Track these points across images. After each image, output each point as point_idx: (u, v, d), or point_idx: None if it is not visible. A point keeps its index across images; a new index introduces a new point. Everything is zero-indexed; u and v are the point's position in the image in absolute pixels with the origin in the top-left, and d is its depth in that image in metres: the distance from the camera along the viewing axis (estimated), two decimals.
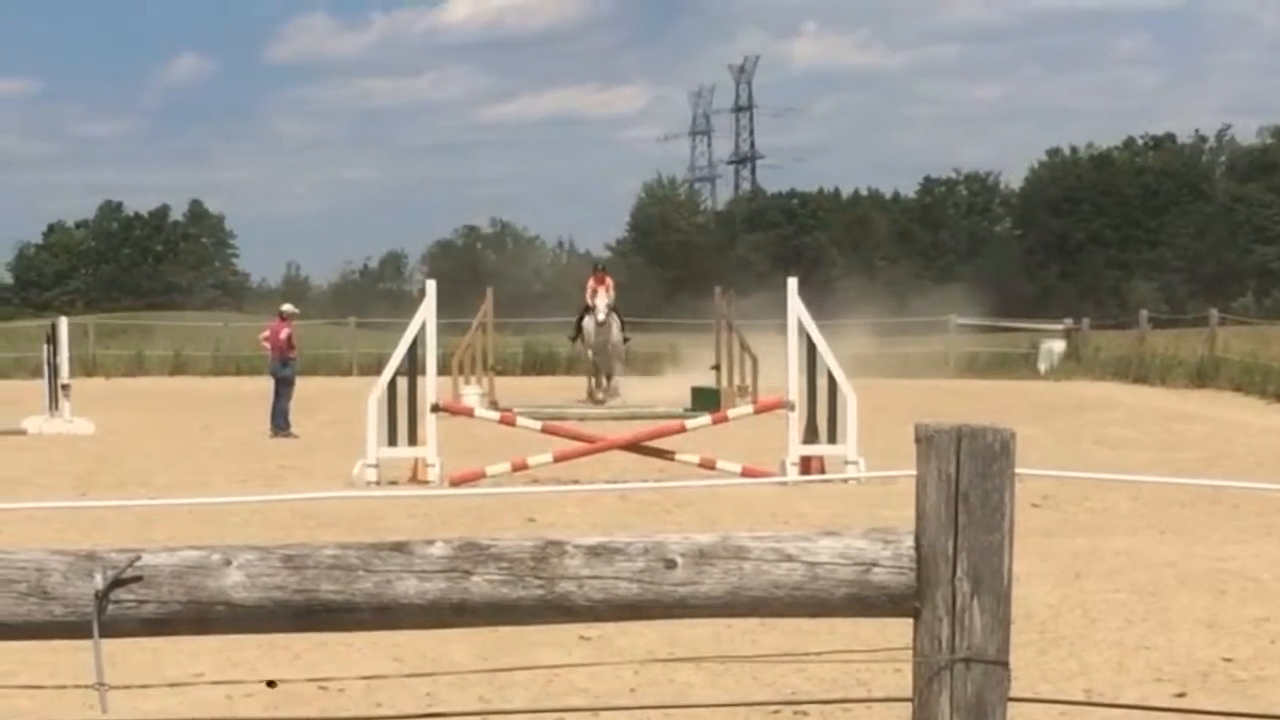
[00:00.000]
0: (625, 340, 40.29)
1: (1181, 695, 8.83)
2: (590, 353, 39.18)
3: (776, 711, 8.33)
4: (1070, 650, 10.01)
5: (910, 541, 3.89)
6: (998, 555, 3.85)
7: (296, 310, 32.68)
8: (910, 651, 3.96)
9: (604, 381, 38.98)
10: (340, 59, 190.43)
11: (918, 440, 3.89)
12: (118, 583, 3.79)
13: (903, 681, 4.04)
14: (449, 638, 9.19)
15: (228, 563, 3.82)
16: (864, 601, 3.89)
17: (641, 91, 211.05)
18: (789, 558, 3.87)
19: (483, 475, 19.65)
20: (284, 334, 31.44)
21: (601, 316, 38.12)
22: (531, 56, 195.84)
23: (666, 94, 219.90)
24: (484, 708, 8.26)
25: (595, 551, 3.85)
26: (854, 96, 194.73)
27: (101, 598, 3.78)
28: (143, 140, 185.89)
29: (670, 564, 3.84)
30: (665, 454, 20.63)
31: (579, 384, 40.50)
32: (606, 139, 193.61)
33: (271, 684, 7.87)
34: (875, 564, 3.87)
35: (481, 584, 3.81)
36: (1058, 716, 8.00)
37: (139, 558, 3.82)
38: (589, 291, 39.20)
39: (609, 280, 39.82)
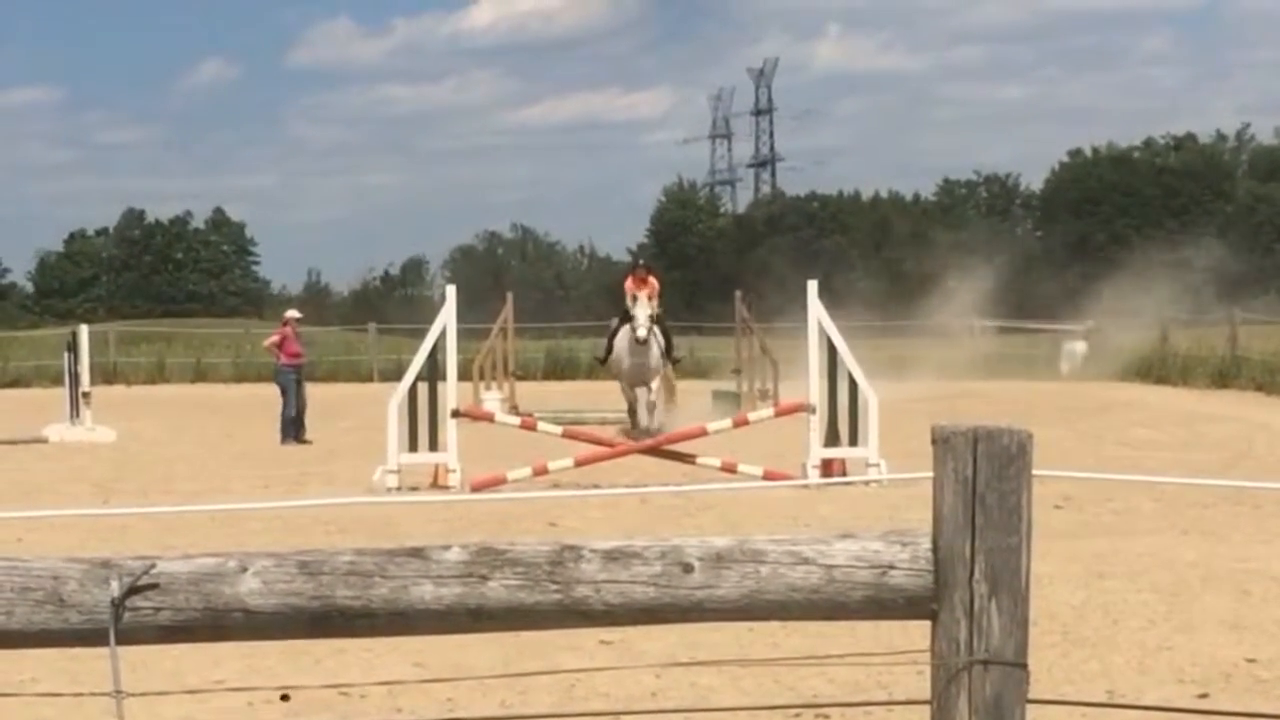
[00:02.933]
0: (675, 362, 31.43)
1: (1204, 696, 8.81)
2: (623, 381, 29.79)
3: (798, 714, 8.32)
4: (1093, 651, 9.98)
5: (927, 544, 3.88)
6: (1015, 556, 3.84)
7: (297, 315, 32.32)
8: (929, 653, 3.95)
9: (645, 412, 29.16)
10: (363, 65, 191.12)
11: (934, 442, 3.87)
12: (134, 590, 3.79)
13: (924, 683, 4.03)
14: (470, 643, 9.18)
15: (244, 569, 3.82)
16: (881, 604, 3.88)
17: (664, 95, 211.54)
18: (806, 561, 3.86)
19: (504, 480, 19.64)
20: (269, 340, 31.68)
21: (642, 333, 28.32)
22: (554, 61, 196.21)
23: (690, 97, 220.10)
24: (505, 713, 8.26)
25: (612, 556, 3.84)
26: (876, 99, 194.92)
27: (117, 605, 3.78)
28: (165, 147, 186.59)
29: (687, 568, 3.84)
30: (686, 458, 20.61)
31: (600, 388, 39.45)
32: (629, 143, 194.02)
33: (285, 697, 7.89)
34: (892, 566, 3.86)
35: (498, 589, 3.81)
36: (1079, 718, 7.98)
37: (155, 565, 3.82)
38: (628, 296, 29.67)
39: (653, 281, 30.21)
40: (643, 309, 28.59)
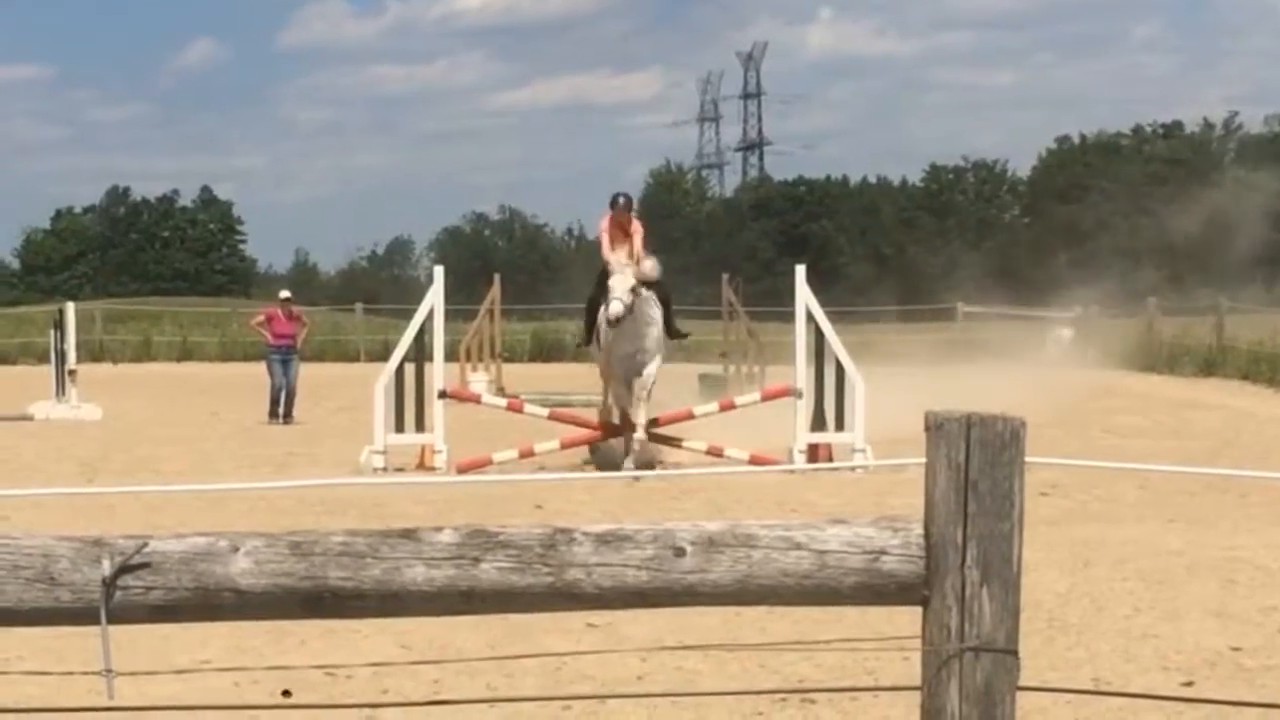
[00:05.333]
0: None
1: (1189, 684, 8.82)
2: (609, 373, 21.49)
3: (784, 699, 8.32)
4: (1078, 639, 10.00)
5: (919, 530, 3.88)
6: (1007, 544, 3.84)
7: (286, 294, 32.34)
8: (918, 640, 3.95)
9: (634, 424, 20.59)
10: (354, 45, 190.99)
11: (927, 428, 3.87)
12: (125, 569, 3.78)
13: (910, 670, 4.03)
14: (457, 625, 9.18)
15: (235, 549, 3.81)
16: (873, 590, 3.88)
17: (655, 78, 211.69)
18: (798, 546, 3.86)
19: (490, 462, 19.64)
20: (254, 320, 32.02)
21: (617, 309, 20.17)
22: (545, 43, 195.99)
23: (680, 81, 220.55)
24: (491, 695, 8.26)
25: (604, 539, 3.84)
26: (867, 83, 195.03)
27: (109, 584, 3.77)
28: (155, 126, 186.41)
29: (679, 552, 3.84)
30: (673, 441, 20.61)
31: (587, 371, 35.99)
32: (618, 125, 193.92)
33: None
34: (884, 552, 3.86)
35: (490, 571, 3.81)
36: (1064, 705, 7.99)
37: (146, 544, 3.81)
38: (605, 247, 21.46)
39: (638, 225, 21.67)
40: (620, 279, 20.47)
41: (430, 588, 3.81)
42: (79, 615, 3.81)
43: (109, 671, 3.85)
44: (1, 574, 3.78)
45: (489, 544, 3.82)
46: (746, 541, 3.85)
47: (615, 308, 20.25)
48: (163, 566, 3.80)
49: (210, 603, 3.82)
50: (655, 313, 21.06)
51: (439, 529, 3.85)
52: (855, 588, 3.87)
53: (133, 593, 3.79)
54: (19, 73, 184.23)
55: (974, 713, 3.83)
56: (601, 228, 22.06)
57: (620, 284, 20.47)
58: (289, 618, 3.92)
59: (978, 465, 3.82)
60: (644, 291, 20.79)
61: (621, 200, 22.00)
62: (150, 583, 3.80)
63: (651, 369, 20.97)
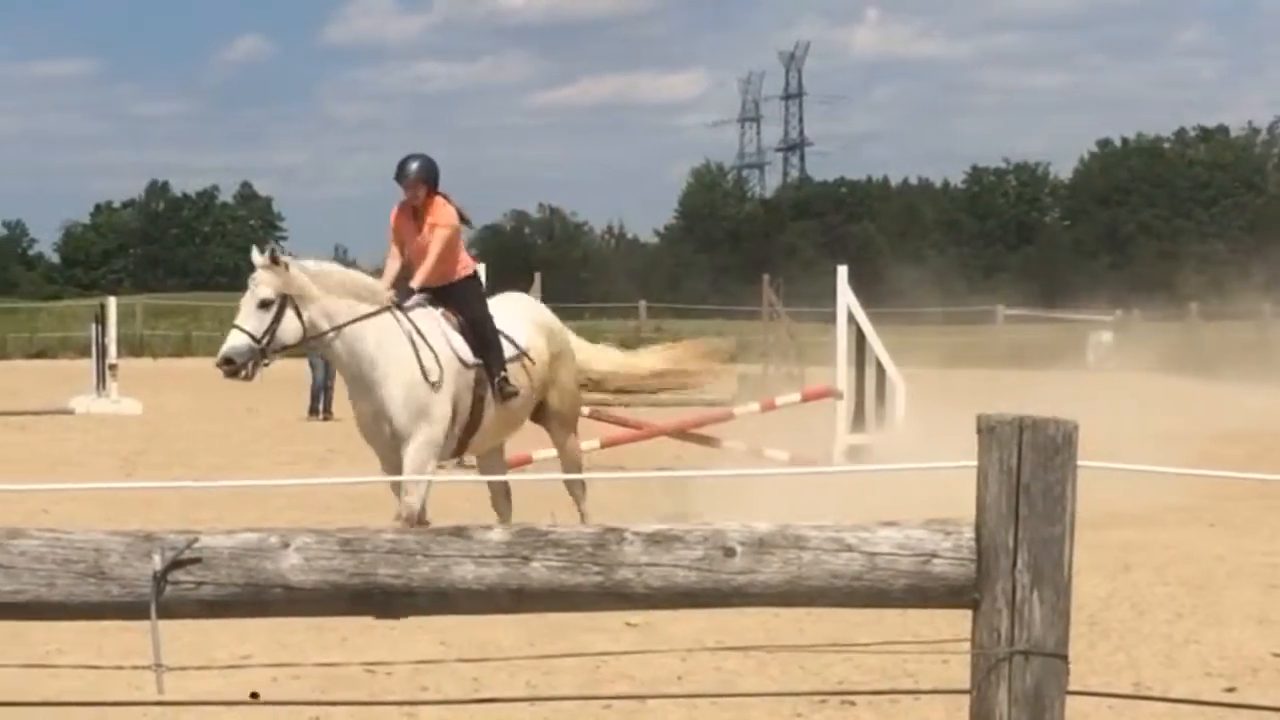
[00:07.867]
0: (507, 396, 13.52)
1: (1231, 690, 8.79)
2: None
3: (824, 701, 8.31)
4: (1119, 643, 9.97)
5: (970, 533, 3.87)
6: (1059, 548, 3.84)
7: None
8: (961, 643, 3.95)
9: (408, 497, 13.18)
10: (399, 42, 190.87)
11: (979, 431, 3.86)
12: (176, 564, 3.79)
13: (950, 673, 4.03)
14: (497, 623, 9.18)
15: (285, 545, 3.82)
16: (923, 592, 3.88)
17: (700, 78, 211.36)
18: (848, 548, 3.85)
19: (529, 460, 19.62)
20: None
21: (247, 333, 12.53)
22: (589, 42, 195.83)
23: (725, 80, 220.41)
24: (531, 693, 8.26)
25: (654, 539, 3.84)
26: (912, 85, 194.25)
27: (160, 579, 3.78)
28: (196, 121, 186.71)
29: (729, 552, 3.83)
30: (713, 441, 20.58)
31: None
32: (660, 125, 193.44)
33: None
34: (935, 555, 3.86)
35: (540, 570, 3.81)
36: (1107, 709, 7.97)
37: (197, 539, 3.83)
38: (391, 252, 14.01)
39: (439, 206, 13.77)
40: (249, 296, 12.81)
41: (480, 586, 3.81)
42: (129, 610, 3.82)
43: (159, 666, 3.86)
44: (53, 568, 3.79)
45: (539, 542, 3.82)
46: (797, 543, 3.85)
47: (232, 343, 12.52)
48: (213, 562, 3.81)
49: (260, 598, 3.83)
50: (404, 348, 12.84)
51: (489, 527, 3.86)
52: (905, 590, 3.87)
53: (183, 587, 3.81)
54: (62, 68, 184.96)
55: (1023, 717, 3.83)
56: (390, 224, 14.03)
57: (246, 303, 12.71)
58: (338, 614, 3.93)
59: (1030, 469, 3.82)
60: (414, 300, 13.26)
61: (413, 167, 13.63)
62: (201, 578, 3.81)
63: (415, 443, 12.93)
